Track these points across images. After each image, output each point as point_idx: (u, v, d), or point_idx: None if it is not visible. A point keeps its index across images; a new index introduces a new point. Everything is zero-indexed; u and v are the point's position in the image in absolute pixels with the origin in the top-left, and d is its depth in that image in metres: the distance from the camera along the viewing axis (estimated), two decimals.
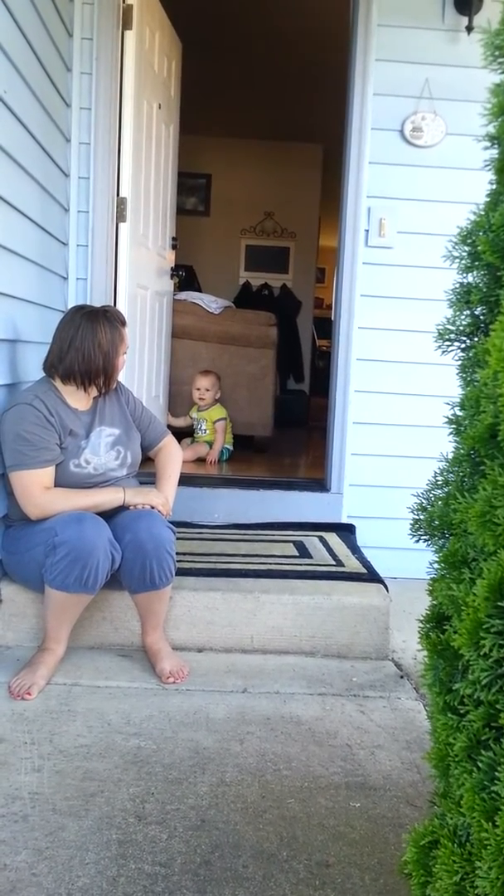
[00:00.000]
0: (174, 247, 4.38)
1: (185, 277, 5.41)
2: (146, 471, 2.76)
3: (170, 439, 2.76)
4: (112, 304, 3.35)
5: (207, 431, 4.41)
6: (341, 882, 1.53)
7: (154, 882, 1.50)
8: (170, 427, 4.41)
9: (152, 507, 2.44)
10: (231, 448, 4.48)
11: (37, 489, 2.31)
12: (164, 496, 2.53)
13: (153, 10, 3.64)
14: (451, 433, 1.22)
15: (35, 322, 2.81)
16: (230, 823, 1.70)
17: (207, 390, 4.40)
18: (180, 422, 4.51)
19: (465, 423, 1.15)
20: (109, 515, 2.38)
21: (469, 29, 3.25)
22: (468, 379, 1.21)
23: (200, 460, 4.32)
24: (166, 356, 4.45)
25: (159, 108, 3.84)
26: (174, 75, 4.15)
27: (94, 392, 2.48)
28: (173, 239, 4.34)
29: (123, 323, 2.51)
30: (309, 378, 8.13)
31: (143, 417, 2.68)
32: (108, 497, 2.42)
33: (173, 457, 2.72)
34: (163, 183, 4.04)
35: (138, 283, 3.68)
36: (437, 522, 1.23)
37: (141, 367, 3.85)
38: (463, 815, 1.00)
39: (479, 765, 0.98)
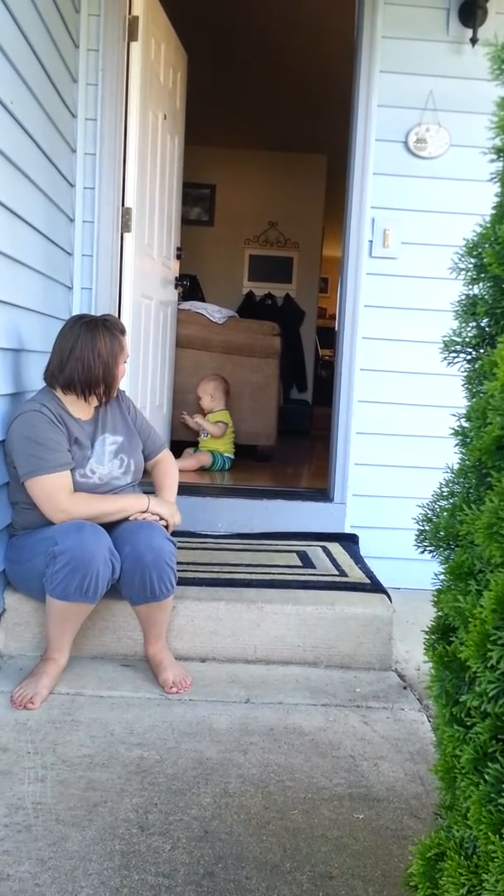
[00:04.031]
0: (179, 256, 4.39)
1: (189, 287, 5.43)
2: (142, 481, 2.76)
3: (167, 452, 2.77)
4: (117, 314, 3.35)
5: (209, 436, 4.43)
6: (345, 894, 1.53)
7: (157, 893, 1.49)
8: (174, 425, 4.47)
9: (160, 519, 2.46)
10: (232, 457, 4.49)
11: (62, 494, 2.31)
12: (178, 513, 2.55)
13: (159, 21, 3.66)
14: (456, 444, 1.22)
15: (39, 331, 2.81)
16: (233, 834, 1.69)
17: (210, 396, 4.43)
18: (192, 422, 4.52)
19: (472, 435, 1.15)
20: (110, 526, 2.38)
21: (473, 41, 3.27)
22: (474, 390, 1.21)
23: (203, 469, 4.33)
24: (170, 366, 4.46)
25: (164, 118, 3.86)
26: (179, 86, 4.18)
27: (94, 401, 2.48)
28: (178, 249, 4.36)
29: (123, 331, 2.51)
30: (312, 388, 8.14)
31: (144, 428, 2.68)
32: (133, 503, 2.43)
33: (171, 469, 2.73)
34: (168, 193, 4.05)
35: (143, 293, 3.69)
36: (442, 533, 1.23)
37: (145, 377, 3.85)
38: (469, 827, 1.00)
39: (486, 777, 0.97)
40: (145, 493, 2.55)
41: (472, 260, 1.20)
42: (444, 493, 1.27)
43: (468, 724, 1.05)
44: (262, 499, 3.51)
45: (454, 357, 1.27)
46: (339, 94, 4.10)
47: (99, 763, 1.94)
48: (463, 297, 1.25)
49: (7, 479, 2.43)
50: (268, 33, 5.22)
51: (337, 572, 2.93)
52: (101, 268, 3.35)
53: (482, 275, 1.19)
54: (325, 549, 3.24)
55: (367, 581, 2.85)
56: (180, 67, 4.16)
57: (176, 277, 4.38)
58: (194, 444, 4.51)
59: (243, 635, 2.60)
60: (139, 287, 3.60)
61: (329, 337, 7.61)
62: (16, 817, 1.71)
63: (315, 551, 3.20)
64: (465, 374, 1.26)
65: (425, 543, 1.29)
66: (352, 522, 3.50)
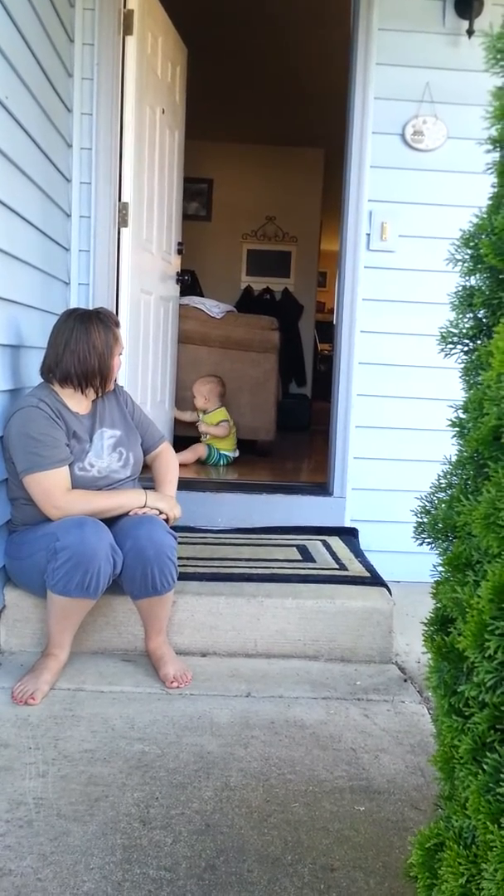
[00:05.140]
0: (180, 252, 4.37)
1: (188, 282, 5.42)
2: (142, 476, 2.76)
3: (167, 446, 2.77)
4: (114, 310, 3.35)
5: (208, 436, 4.43)
6: (346, 886, 1.53)
7: (159, 887, 1.50)
8: (176, 420, 4.47)
9: (160, 514, 2.45)
10: (230, 455, 4.47)
11: (58, 491, 2.31)
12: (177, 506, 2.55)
13: (156, 15, 3.65)
14: (454, 436, 1.22)
15: (37, 327, 2.81)
16: (235, 828, 1.70)
17: (204, 397, 4.43)
18: (186, 416, 4.53)
19: (469, 426, 1.15)
20: (111, 521, 2.38)
21: (470, 32, 3.26)
22: (471, 382, 1.21)
23: (200, 462, 4.34)
24: (172, 361, 4.43)
25: (163, 112, 3.84)
26: (179, 80, 4.15)
27: (91, 394, 2.49)
28: (179, 244, 4.34)
29: (117, 324, 2.52)
30: (311, 382, 8.14)
31: (142, 421, 2.68)
32: (131, 498, 2.43)
33: (171, 463, 2.73)
34: (168, 187, 4.04)
35: (142, 288, 3.68)
36: (440, 525, 1.23)
37: (145, 372, 3.84)
38: (468, 817, 1.00)
39: (485, 767, 0.97)
40: (144, 488, 2.55)
41: (469, 251, 1.20)
42: (442, 485, 1.27)
43: (466, 714, 1.05)
44: (262, 493, 3.51)
45: (451, 349, 1.27)
46: (336, 87, 4.09)
47: (100, 758, 1.94)
48: (460, 289, 1.25)
49: (6, 475, 2.43)
50: (264, 27, 5.20)
51: (337, 566, 2.93)
52: (98, 263, 3.34)
53: (479, 266, 1.19)
54: (324, 542, 3.24)
55: (367, 574, 2.86)
56: (180, 61, 4.14)
57: (178, 273, 4.36)
58: (197, 442, 4.51)
59: (244, 629, 2.60)
60: (137, 282, 3.59)
61: (328, 331, 7.61)
62: (17, 812, 1.71)
63: (315, 545, 3.20)
64: (463, 365, 1.26)
65: (424, 535, 1.29)
66: (351, 516, 3.51)
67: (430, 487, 1.30)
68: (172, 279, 4.29)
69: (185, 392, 4.62)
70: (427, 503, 1.30)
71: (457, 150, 3.34)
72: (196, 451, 4.33)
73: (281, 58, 5.64)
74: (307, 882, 1.54)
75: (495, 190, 1.16)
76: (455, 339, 1.26)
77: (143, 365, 3.79)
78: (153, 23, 3.60)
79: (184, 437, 4.55)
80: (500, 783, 0.94)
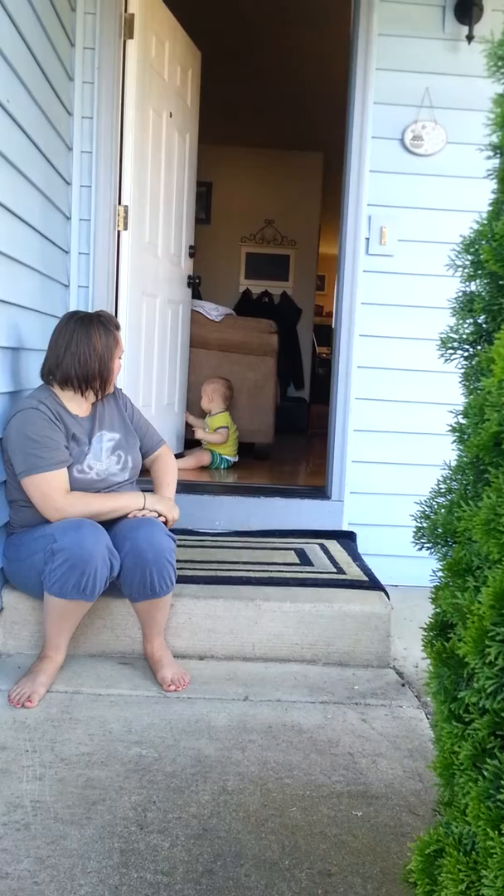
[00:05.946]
0: (192, 255, 4.36)
1: (197, 285, 5.41)
2: (142, 478, 2.76)
3: (166, 449, 2.76)
4: (113, 312, 3.35)
5: (207, 443, 4.42)
6: (343, 891, 1.53)
7: (156, 891, 1.49)
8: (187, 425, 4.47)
9: (159, 516, 2.45)
10: (231, 459, 4.46)
11: (57, 493, 2.31)
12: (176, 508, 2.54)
13: (161, 19, 3.65)
14: (454, 441, 1.22)
15: (37, 330, 2.81)
16: (232, 832, 1.69)
17: (208, 398, 4.43)
18: (197, 426, 4.52)
19: (469, 431, 1.15)
20: (109, 523, 2.38)
21: (469, 38, 3.27)
22: (471, 387, 1.21)
23: (203, 468, 4.33)
24: (182, 364, 4.41)
25: (170, 116, 3.84)
26: (190, 84, 4.15)
27: (91, 397, 2.49)
28: (191, 247, 4.33)
29: (117, 327, 2.52)
30: (309, 385, 8.14)
31: (141, 425, 2.68)
32: (129, 501, 2.43)
33: (170, 466, 2.73)
34: (176, 191, 4.03)
35: (144, 291, 3.68)
36: (440, 530, 1.23)
37: (149, 375, 3.84)
38: (468, 823, 1.00)
39: (485, 773, 0.97)
40: (143, 491, 2.54)
41: (469, 257, 1.20)
42: (442, 490, 1.27)
43: (466, 720, 1.05)
44: (260, 496, 3.51)
45: (451, 354, 1.27)
46: (336, 91, 4.10)
47: (97, 761, 1.94)
48: (460, 294, 1.25)
49: (5, 477, 2.43)
50: (264, 31, 5.21)
51: (335, 570, 2.93)
52: (97, 266, 3.35)
53: (479, 271, 1.19)
54: (322, 546, 3.24)
55: (365, 578, 2.86)
56: (191, 65, 4.13)
57: (189, 276, 4.36)
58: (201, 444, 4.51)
59: (241, 633, 2.60)
60: (138, 285, 3.59)
61: (326, 335, 7.61)
62: (14, 815, 1.71)
63: (313, 549, 3.20)
64: (463, 370, 1.26)
65: (423, 540, 1.29)
66: (349, 520, 3.51)
67: (430, 492, 1.30)
68: (182, 282, 4.27)
69: (190, 394, 4.61)
70: (427, 508, 1.30)
71: (456, 155, 3.35)
72: (199, 459, 4.32)
73: (281, 62, 5.65)
74: (304, 887, 1.53)
75: (495, 196, 1.16)
76: (455, 344, 1.26)
77: (145, 368, 3.79)
78: (158, 27, 3.60)
79: (195, 439, 4.54)
80: (501, 789, 0.94)
